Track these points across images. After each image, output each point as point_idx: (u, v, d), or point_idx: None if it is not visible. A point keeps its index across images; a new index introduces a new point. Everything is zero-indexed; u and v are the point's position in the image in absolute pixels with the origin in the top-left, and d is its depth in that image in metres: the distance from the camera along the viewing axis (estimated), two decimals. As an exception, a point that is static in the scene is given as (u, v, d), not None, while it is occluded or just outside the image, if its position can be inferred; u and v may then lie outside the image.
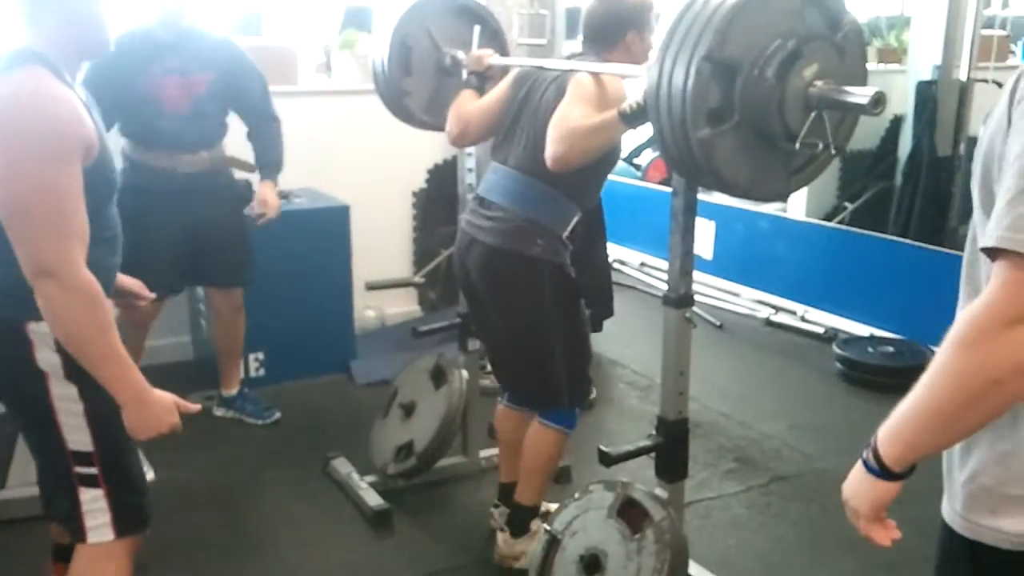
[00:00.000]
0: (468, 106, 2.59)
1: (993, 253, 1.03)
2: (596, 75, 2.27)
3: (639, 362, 4.31)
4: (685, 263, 2.08)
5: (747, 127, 1.69)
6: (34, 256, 1.64)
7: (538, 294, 2.43)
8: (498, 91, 2.57)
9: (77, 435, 1.81)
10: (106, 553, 1.88)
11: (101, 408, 1.79)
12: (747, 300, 5.14)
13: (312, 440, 3.45)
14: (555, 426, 2.59)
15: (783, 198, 1.91)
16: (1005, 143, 1.06)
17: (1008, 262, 1.01)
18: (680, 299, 2.12)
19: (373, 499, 2.95)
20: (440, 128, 2.73)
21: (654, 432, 2.23)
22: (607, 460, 2.15)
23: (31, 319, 1.73)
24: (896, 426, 1.14)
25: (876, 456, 1.17)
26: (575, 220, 2.49)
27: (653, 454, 2.21)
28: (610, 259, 4.76)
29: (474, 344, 3.13)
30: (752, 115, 1.67)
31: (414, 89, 2.78)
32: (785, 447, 3.47)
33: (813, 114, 1.68)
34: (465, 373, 3.08)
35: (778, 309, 4.96)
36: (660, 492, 2.18)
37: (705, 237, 5.25)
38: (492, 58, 2.66)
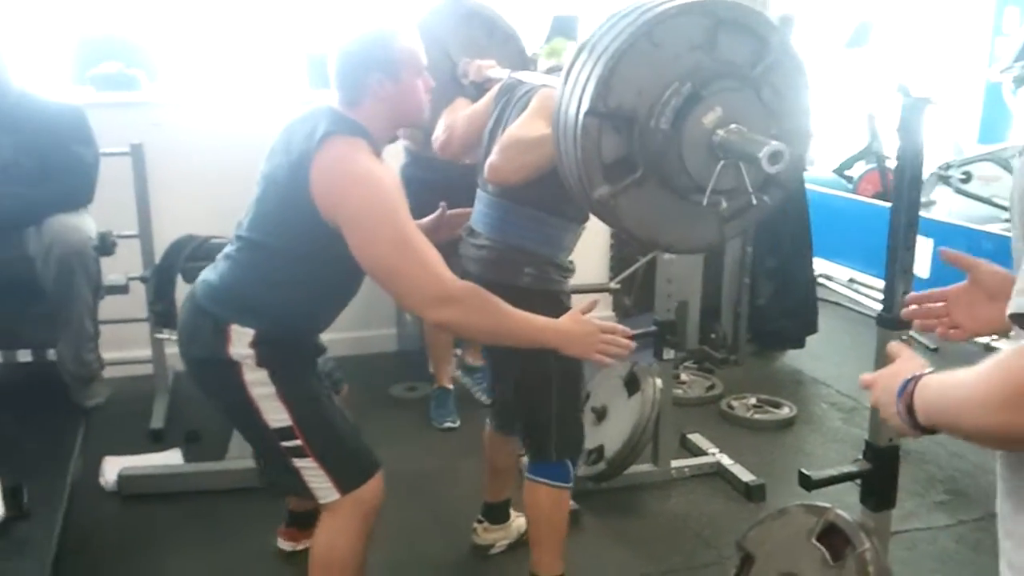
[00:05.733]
0: (457, 115, 2.44)
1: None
2: None
3: (843, 382, 4.11)
4: (904, 283, 1.97)
5: (653, 180, 1.52)
6: (423, 289, 1.90)
7: None
8: (483, 102, 2.41)
9: (275, 415, 2.00)
10: (345, 509, 2.06)
11: (291, 386, 2.00)
12: (966, 323, 4.78)
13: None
14: (544, 481, 2.32)
15: (718, 248, 1.72)
16: None
17: None
18: (895, 320, 2.01)
19: (562, 500, 2.97)
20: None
21: (861, 457, 2.12)
22: (808, 484, 2.07)
23: (234, 322, 1.99)
24: (936, 401, 1.08)
25: (910, 407, 1.10)
26: (573, 238, 2.30)
27: (858, 480, 2.10)
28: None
29: (669, 353, 3.10)
30: (655, 167, 1.50)
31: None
32: (1004, 483, 3.20)
33: (720, 164, 1.50)
34: (659, 382, 3.05)
35: (1001, 334, 4.59)
36: (865, 520, 2.07)
37: (923, 255, 4.93)
38: (493, 70, 2.50)
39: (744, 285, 4.41)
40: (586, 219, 2.29)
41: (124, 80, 4.02)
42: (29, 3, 4.07)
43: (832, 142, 6.38)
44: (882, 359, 2.11)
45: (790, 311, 4.40)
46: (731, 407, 3.81)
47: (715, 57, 1.53)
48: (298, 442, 2.01)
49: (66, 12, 4.13)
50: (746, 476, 3.15)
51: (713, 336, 4.48)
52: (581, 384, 2.37)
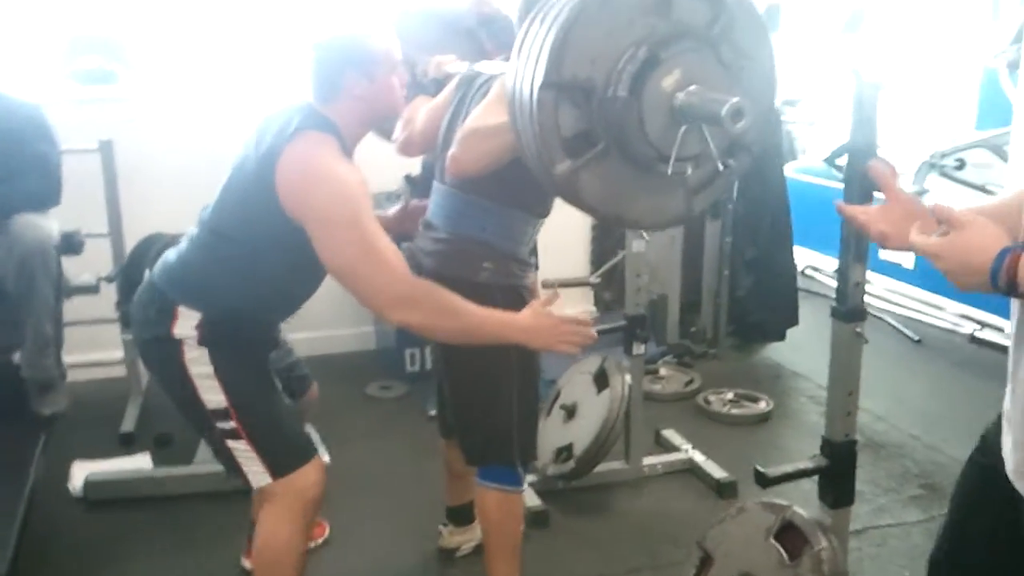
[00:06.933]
0: (416, 112, 2.40)
1: None
2: None
3: (823, 375, 4.03)
4: (858, 272, 1.93)
5: (616, 153, 1.47)
6: (384, 291, 1.90)
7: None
8: (442, 96, 2.36)
9: (211, 395, 2.00)
10: (282, 499, 2.05)
11: (230, 368, 2.00)
12: (950, 314, 4.74)
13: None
14: (496, 486, 2.26)
15: (686, 221, 1.65)
16: None
17: None
18: (850, 312, 1.98)
19: (531, 499, 2.94)
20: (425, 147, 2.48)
21: (818, 453, 2.09)
22: (763, 480, 2.03)
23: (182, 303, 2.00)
24: None
25: (1011, 279, 1.14)
26: (532, 232, 2.25)
27: (815, 476, 2.07)
28: (797, 265, 4.55)
29: (639, 348, 3.06)
30: (617, 139, 1.45)
31: None
32: (980, 476, 3.17)
33: (683, 129, 1.44)
34: (629, 378, 3.02)
35: (984, 325, 4.55)
36: (823, 518, 2.04)
37: (904, 245, 4.90)
38: (451, 64, 2.46)
39: (724, 277, 4.39)
40: (546, 213, 2.25)
41: (101, 75, 4.00)
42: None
43: (824, 131, 6.34)
44: (839, 354, 2.09)
45: (771, 303, 4.37)
46: (708, 402, 3.78)
47: (671, 19, 1.48)
48: (232, 424, 2.01)
49: (58, 9, 4.11)
50: (718, 473, 3.12)
51: (693, 330, 4.45)
52: (537, 386, 2.32)
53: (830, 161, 4.87)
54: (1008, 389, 1.37)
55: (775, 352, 4.43)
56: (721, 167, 1.53)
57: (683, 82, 1.45)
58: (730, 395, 3.82)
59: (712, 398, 3.81)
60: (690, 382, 4.01)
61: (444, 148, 2.18)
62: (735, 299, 4.41)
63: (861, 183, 1.82)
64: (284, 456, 2.06)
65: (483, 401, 2.25)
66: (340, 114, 2.00)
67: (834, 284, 5.27)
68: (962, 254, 1.18)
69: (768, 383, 4.05)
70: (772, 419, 3.69)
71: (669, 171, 1.47)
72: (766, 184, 4.27)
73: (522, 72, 1.49)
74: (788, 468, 2.06)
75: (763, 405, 3.75)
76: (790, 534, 2.03)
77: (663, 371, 4.11)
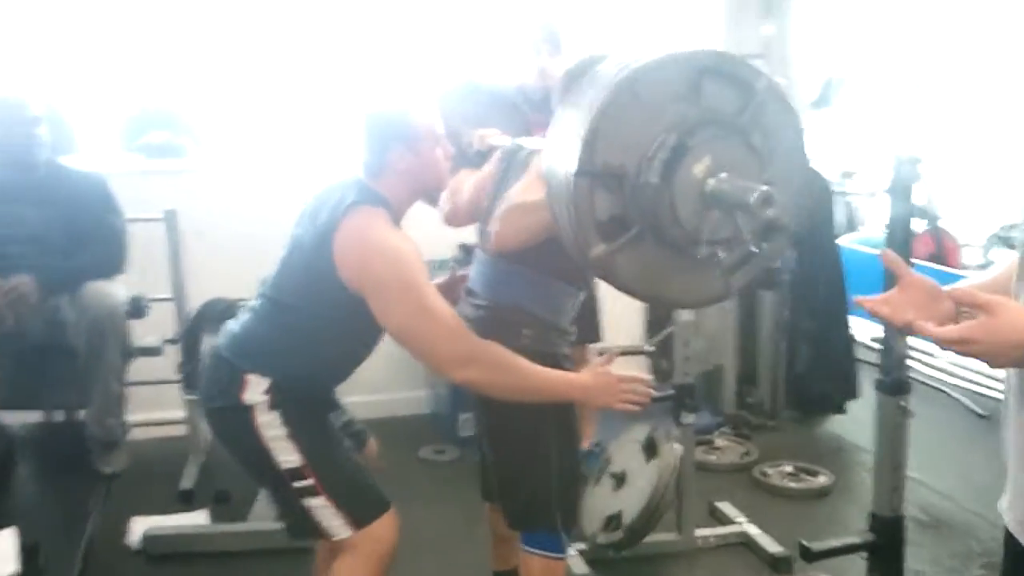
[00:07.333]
0: (461, 184, 2.46)
1: None
2: None
3: (883, 449, 3.98)
4: (899, 345, 1.92)
5: (650, 236, 1.50)
6: (444, 349, 1.98)
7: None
8: (486, 169, 2.42)
9: (286, 456, 2.06)
10: (360, 549, 2.10)
11: (302, 428, 2.06)
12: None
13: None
14: (540, 552, 2.26)
15: (724, 300, 1.66)
16: None
17: None
18: (894, 384, 1.96)
19: (580, 567, 2.92)
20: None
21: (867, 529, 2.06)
22: (807, 555, 2.02)
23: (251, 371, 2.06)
24: None
25: None
26: (573, 303, 2.27)
27: (863, 553, 2.03)
28: (856, 336, 4.48)
29: (688, 418, 3.05)
30: (650, 223, 1.49)
31: None
32: (1048, 559, 3.04)
33: (714, 214, 1.48)
34: (679, 447, 3.00)
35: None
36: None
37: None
38: (495, 137, 2.53)
39: (781, 348, 4.34)
40: (586, 285, 2.29)
41: (169, 149, 4.20)
42: (84, 74, 4.30)
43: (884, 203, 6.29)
44: (884, 428, 2.06)
45: (829, 375, 4.30)
46: (765, 474, 3.72)
47: (701, 106, 1.52)
48: (309, 481, 2.07)
49: (118, 84, 4.35)
50: (773, 547, 3.05)
51: (750, 400, 4.40)
52: (579, 449, 2.33)
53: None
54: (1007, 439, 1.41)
55: (836, 425, 4.35)
56: (754, 249, 1.55)
57: (713, 168, 1.49)
58: (789, 468, 3.75)
59: (770, 471, 3.74)
60: (746, 454, 3.95)
61: (487, 219, 2.24)
62: (793, 370, 4.35)
63: (900, 252, 1.82)
64: (363, 507, 2.12)
65: (522, 463, 2.27)
66: (389, 187, 2.10)
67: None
68: (998, 335, 1.21)
69: (828, 457, 3.96)
70: (832, 493, 3.60)
71: (701, 254, 1.51)
72: (819, 256, 4.24)
73: (557, 157, 1.55)
74: (835, 543, 2.04)
75: (823, 479, 3.67)
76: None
77: (719, 442, 4.06)
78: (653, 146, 1.48)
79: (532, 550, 2.28)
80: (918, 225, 6.14)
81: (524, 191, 2.10)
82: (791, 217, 1.61)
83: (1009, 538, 1.45)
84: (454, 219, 2.52)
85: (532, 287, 2.22)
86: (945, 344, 1.25)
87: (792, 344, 4.35)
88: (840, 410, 4.32)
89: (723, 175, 1.48)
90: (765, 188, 1.42)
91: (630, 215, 1.51)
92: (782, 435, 4.24)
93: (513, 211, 2.08)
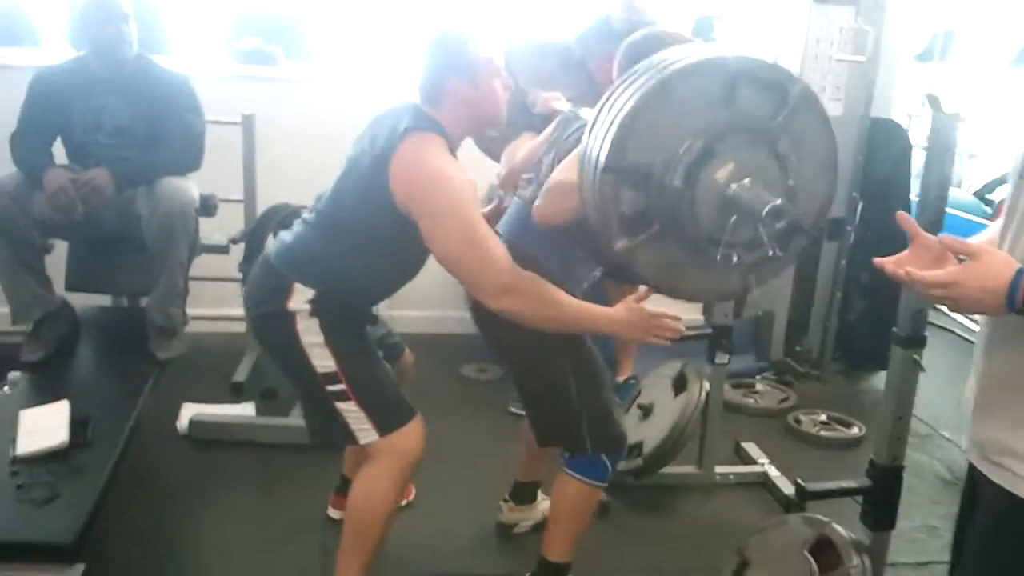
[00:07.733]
0: (518, 150, 2.48)
1: None
2: None
3: (925, 407, 3.91)
4: (915, 299, 1.92)
5: (671, 234, 1.53)
6: (488, 279, 2.04)
7: (531, 334, 2.17)
8: (542, 136, 2.45)
9: (322, 361, 2.17)
10: (386, 457, 2.21)
11: (339, 336, 2.17)
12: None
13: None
14: (579, 477, 2.33)
15: (743, 296, 1.68)
16: None
17: None
18: (910, 338, 1.97)
19: (598, 491, 3.01)
20: None
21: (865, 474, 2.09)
22: (802, 495, 2.05)
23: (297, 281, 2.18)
24: None
25: None
26: (587, 276, 2.31)
27: (858, 497, 2.07)
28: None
29: (722, 358, 3.08)
30: (671, 222, 1.52)
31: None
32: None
33: (733, 218, 1.49)
34: (707, 385, 3.04)
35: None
36: (861, 539, 2.04)
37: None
38: (558, 102, 2.54)
39: (836, 299, 4.30)
40: (607, 265, 2.32)
41: (260, 56, 4.32)
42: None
43: (981, 164, 6.07)
44: (894, 379, 2.07)
45: (882, 331, 4.24)
46: (798, 421, 3.73)
47: (732, 111, 1.54)
48: (342, 386, 2.18)
49: None
50: (789, 489, 3.08)
51: (798, 349, 4.39)
52: (600, 379, 2.38)
53: (980, 195, 4.67)
54: (970, 384, 1.48)
55: (880, 380, 4.30)
56: (772, 254, 1.57)
57: (736, 174, 1.52)
58: (823, 417, 3.76)
59: (803, 418, 3.76)
60: (785, 399, 3.97)
61: (535, 177, 2.30)
62: (845, 323, 4.32)
63: (935, 213, 1.81)
64: (389, 414, 2.23)
65: (539, 387, 2.37)
66: (446, 116, 2.15)
67: (958, 318, 5.06)
68: (979, 279, 1.27)
69: (866, 410, 3.94)
70: (862, 446, 3.60)
71: (718, 257, 1.55)
72: (889, 213, 4.14)
73: (591, 151, 1.59)
74: (831, 485, 2.08)
75: (855, 431, 3.67)
76: (825, 550, 2.04)
77: (759, 386, 4.08)
78: (681, 149, 1.52)
79: (573, 473, 2.35)
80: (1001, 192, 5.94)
81: (568, 170, 2.09)
82: (812, 221, 1.67)
83: (971, 469, 1.51)
84: (508, 183, 2.57)
85: (553, 243, 2.24)
86: (930, 286, 1.30)
87: (847, 297, 4.30)
88: (886, 366, 4.27)
89: (746, 181, 1.52)
90: (778, 203, 1.47)
91: (653, 212, 1.57)
92: (825, 386, 4.23)
93: (556, 190, 2.11)
